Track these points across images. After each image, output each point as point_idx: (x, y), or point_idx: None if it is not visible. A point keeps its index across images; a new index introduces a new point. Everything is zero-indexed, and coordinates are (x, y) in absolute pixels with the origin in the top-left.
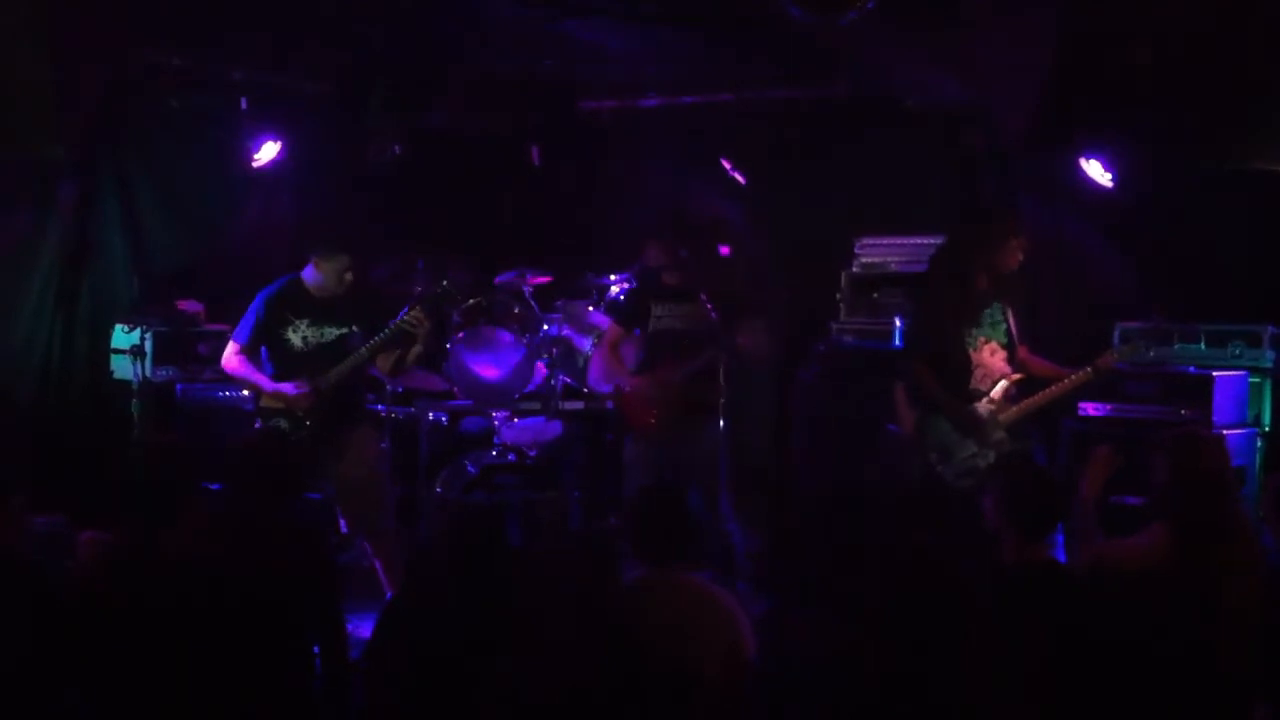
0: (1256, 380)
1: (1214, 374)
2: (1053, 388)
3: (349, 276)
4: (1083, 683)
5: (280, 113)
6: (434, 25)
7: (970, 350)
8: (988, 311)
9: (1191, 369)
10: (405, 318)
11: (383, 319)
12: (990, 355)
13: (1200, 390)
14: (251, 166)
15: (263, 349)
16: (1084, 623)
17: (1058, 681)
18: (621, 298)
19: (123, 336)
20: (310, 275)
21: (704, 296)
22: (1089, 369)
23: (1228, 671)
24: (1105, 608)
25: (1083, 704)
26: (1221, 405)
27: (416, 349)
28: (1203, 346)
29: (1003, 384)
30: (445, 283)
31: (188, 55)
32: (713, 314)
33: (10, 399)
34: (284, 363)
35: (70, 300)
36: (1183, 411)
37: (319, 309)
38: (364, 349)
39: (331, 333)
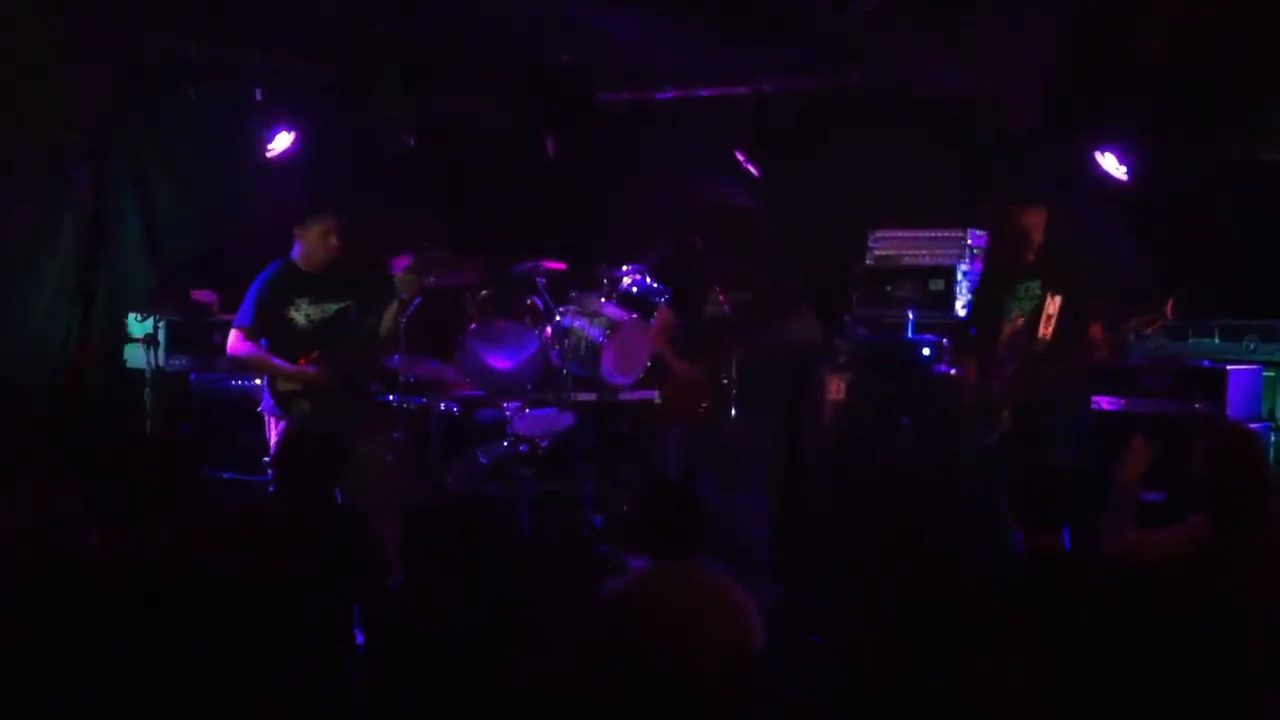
0: (1271, 374)
1: (1228, 368)
2: (1036, 374)
3: (333, 240)
4: (1088, 672)
5: (294, 102)
6: (447, 15)
7: (1003, 321)
8: (1028, 285)
9: (1206, 363)
10: (400, 285)
11: (379, 294)
12: None
13: (1214, 384)
14: (265, 156)
15: (262, 341)
16: (1093, 614)
17: (1063, 671)
18: (679, 287)
19: (136, 325)
20: (297, 252)
21: (719, 288)
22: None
23: (1244, 662)
24: (1120, 599)
25: (1087, 693)
26: (1236, 399)
27: (393, 308)
28: (1217, 340)
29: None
30: (427, 248)
31: (201, 43)
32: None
33: (24, 387)
34: (290, 343)
35: (86, 288)
36: (1197, 405)
37: (317, 285)
38: (370, 319)
39: (331, 308)
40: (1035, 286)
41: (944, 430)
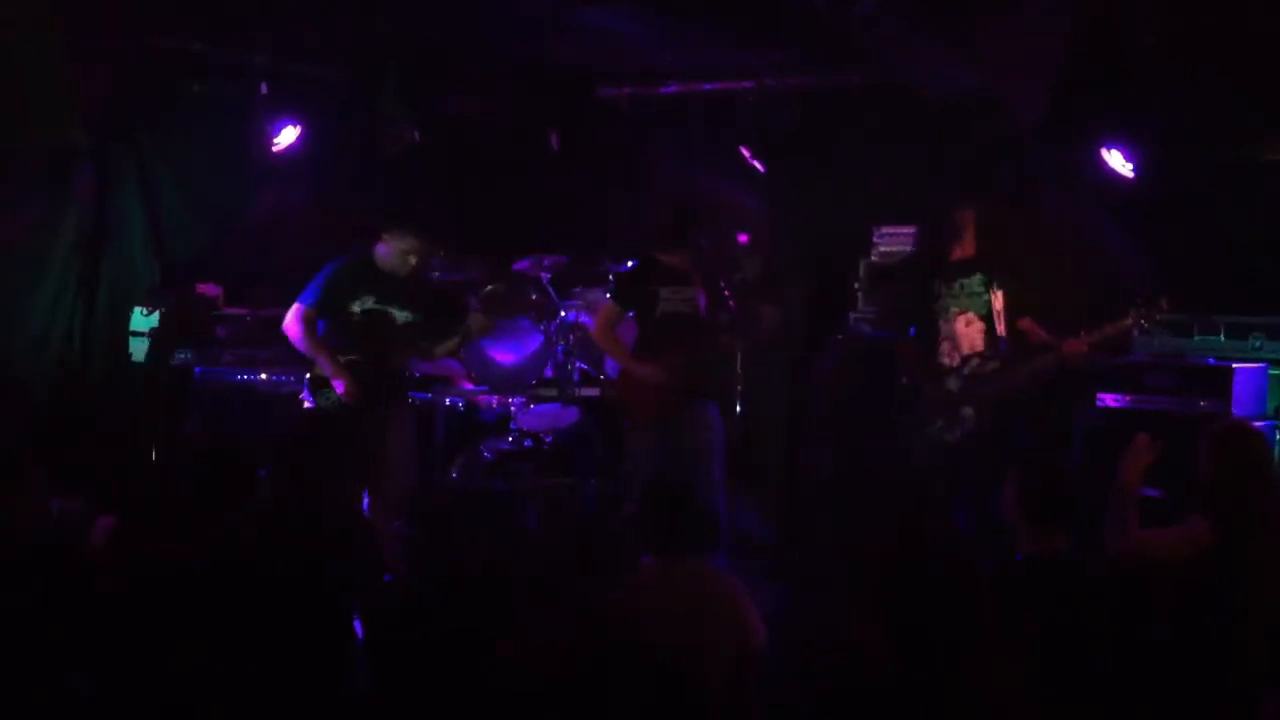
0: (1277, 373)
1: (1234, 366)
2: (1006, 371)
3: (413, 260)
4: (1091, 673)
5: (299, 98)
6: (450, 12)
7: (941, 321)
8: (965, 282)
9: (1211, 360)
10: (472, 324)
11: (436, 312)
12: (965, 326)
13: (1220, 382)
14: (270, 151)
15: (320, 323)
16: (1095, 614)
17: (1066, 671)
18: (622, 279)
19: (141, 319)
20: (383, 251)
21: (722, 283)
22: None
23: (1248, 662)
24: (1122, 598)
25: (1090, 694)
26: (1241, 397)
27: (455, 340)
28: (1222, 338)
29: (975, 360)
30: (490, 286)
31: (204, 41)
32: (731, 302)
33: (28, 383)
34: (344, 335)
35: (89, 285)
36: (1201, 403)
37: (386, 287)
38: (427, 345)
39: (395, 314)
40: (974, 283)
41: (904, 428)
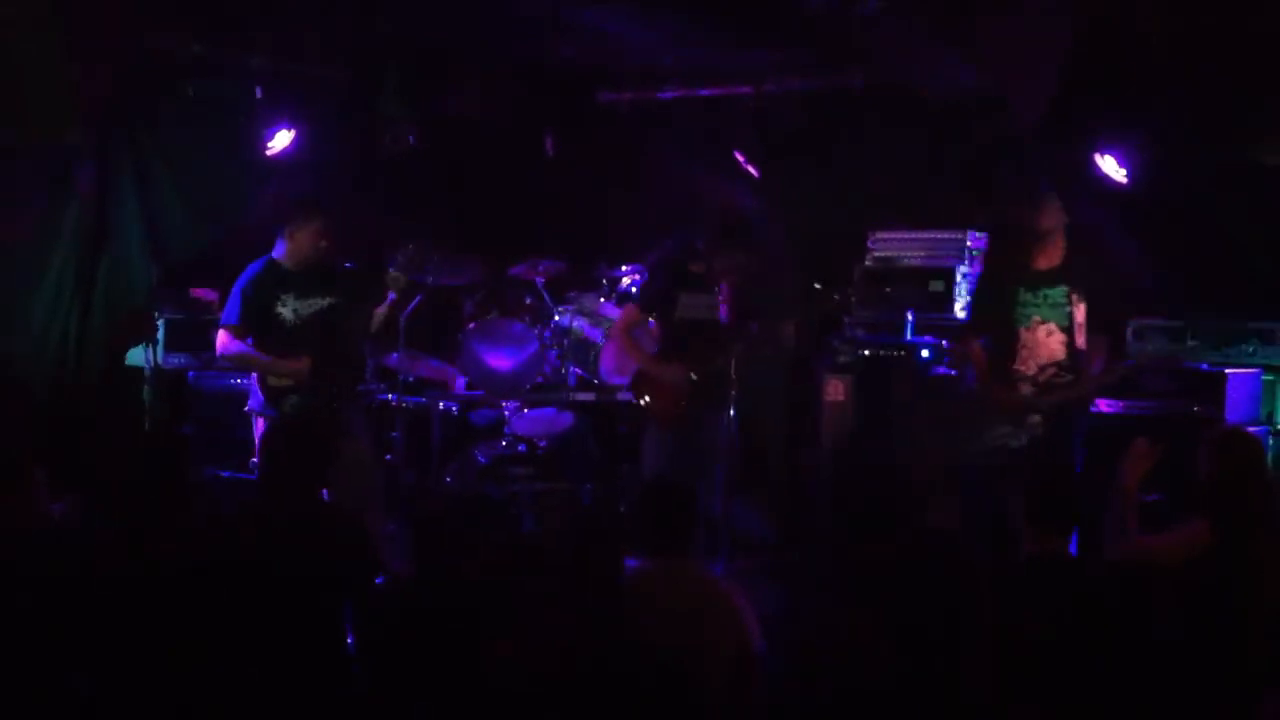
0: (1270, 378)
1: (1227, 371)
2: (1077, 384)
3: (324, 243)
4: (1091, 675)
5: (295, 100)
6: (450, 13)
7: (1021, 328)
8: (1048, 292)
9: (1205, 366)
10: (389, 282)
11: (365, 290)
12: (1046, 336)
13: (1213, 387)
14: (266, 154)
15: (248, 340)
16: (1096, 616)
17: (1066, 673)
18: (646, 283)
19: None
20: (281, 251)
21: (721, 289)
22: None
23: (1248, 662)
24: (1122, 601)
25: (1090, 695)
26: (1234, 402)
27: (382, 311)
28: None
29: (1051, 369)
30: (411, 246)
31: (204, 42)
32: (734, 307)
33: (28, 383)
34: (280, 339)
35: (87, 286)
36: (1195, 408)
37: (302, 282)
38: (357, 315)
39: (319, 303)
40: (1057, 294)
41: (953, 431)
